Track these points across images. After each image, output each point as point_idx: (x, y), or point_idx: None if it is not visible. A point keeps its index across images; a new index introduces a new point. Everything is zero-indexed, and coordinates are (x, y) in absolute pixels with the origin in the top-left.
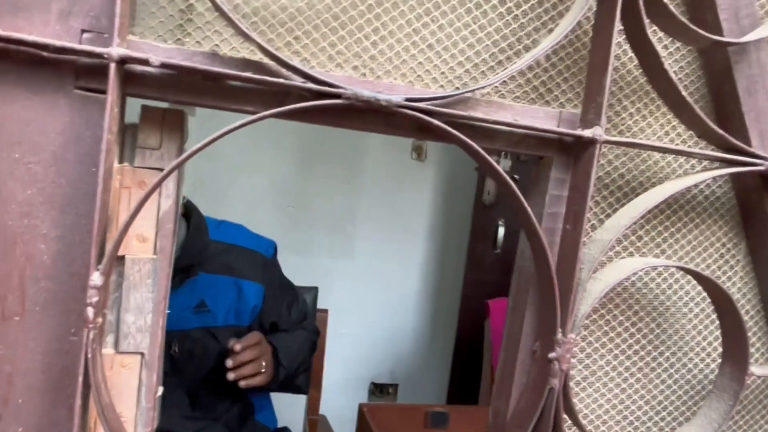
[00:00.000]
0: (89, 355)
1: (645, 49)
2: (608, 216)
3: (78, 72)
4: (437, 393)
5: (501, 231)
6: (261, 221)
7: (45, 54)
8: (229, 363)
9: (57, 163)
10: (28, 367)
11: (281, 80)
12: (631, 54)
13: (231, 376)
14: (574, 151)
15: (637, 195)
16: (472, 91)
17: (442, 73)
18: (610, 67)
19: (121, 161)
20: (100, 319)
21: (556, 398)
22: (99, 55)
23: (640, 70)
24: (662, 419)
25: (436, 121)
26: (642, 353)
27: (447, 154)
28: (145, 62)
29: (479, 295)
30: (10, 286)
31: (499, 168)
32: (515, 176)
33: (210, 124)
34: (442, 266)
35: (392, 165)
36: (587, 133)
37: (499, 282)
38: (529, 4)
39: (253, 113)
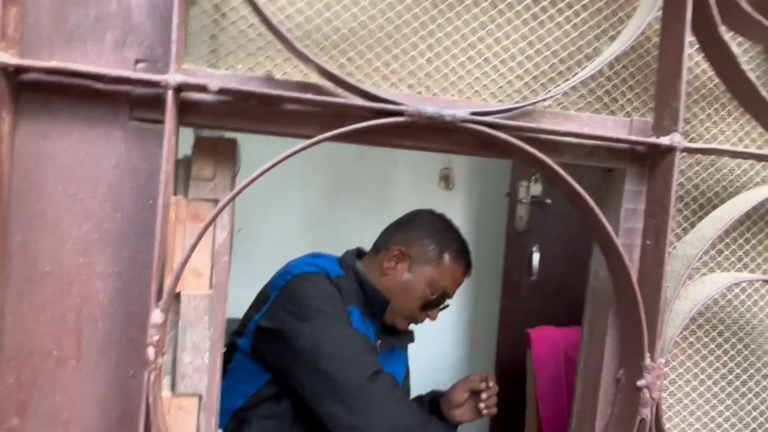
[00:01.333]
0: (151, 399)
1: (718, 50)
2: (685, 230)
3: (133, 103)
4: (479, 427)
5: (536, 257)
6: (292, 256)
7: (100, 86)
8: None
9: (112, 198)
10: (85, 414)
11: (341, 100)
12: (697, 59)
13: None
14: (649, 160)
15: (714, 207)
16: (543, 100)
17: (500, 87)
18: (684, 70)
19: (175, 194)
20: (160, 360)
21: (649, 430)
22: (155, 84)
23: (708, 75)
24: None
25: (503, 135)
26: (730, 377)
27: (475, 182)
28: (202, 88)
29: (517, 324)
30: (65, 329)
31: (573, 182)
32: (547, 200)
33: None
34: (476, 296)
35: (421, 195)
36: (664, 140)
37: (537, 310)
38: (588, 12)
39: (309, 137)
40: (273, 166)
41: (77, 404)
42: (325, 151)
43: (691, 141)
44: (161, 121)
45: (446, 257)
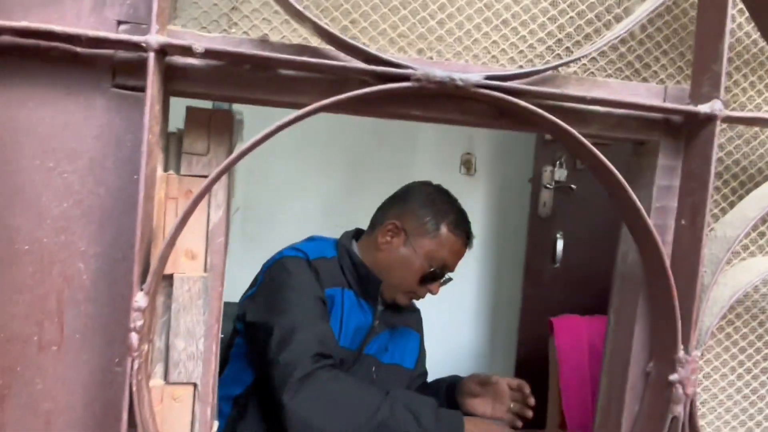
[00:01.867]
0: (134, 388)
1: (764, 8)
2: (723, 210)
3: (115, 68)
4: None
5: (560, 244)
6: None
7: (79, 49)
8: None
9: (94, 172)
10: (68, 403)
11: (341, 63)
12: (739, 20)
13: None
14: (686, 132)
15: (757, 184)
16: (566, 63)
17: (521, 51)
18: (728, 30)
19: (166, 169)
20: (145, 347)
21: (682, 428)
22: (137, 45)
23: (752, 39)
24: None
25: (522, 102)
26: None
27: (497, 167)
28: (187, 51)
29: (540, 312)
30: (46, 311)
31: (600, 155)
32: (572, 186)
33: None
34: (498, 283)
35: (441, 180)
36: (704, 108)
37: (560, 298)
38: None
39: (307, 106)
40: (266, 137)
41: (59, 393)
42: (344, 135)
43: (731, 111)
44: (145, 89)
45: (443, 228)
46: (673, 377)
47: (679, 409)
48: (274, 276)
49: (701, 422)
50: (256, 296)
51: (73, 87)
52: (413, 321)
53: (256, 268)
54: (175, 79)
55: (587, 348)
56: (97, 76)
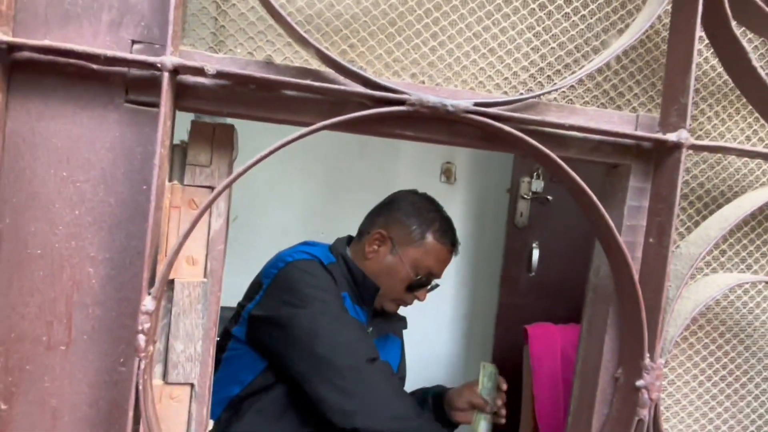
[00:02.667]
0: (140, 387)
1: (729, 46)
2: (688, 229)
3: (128, 84)
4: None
5: (536, 254)
6: None
7: (95, 66)
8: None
9: (106, 181)
10: (74, 401)
11: (342, 87)
12: (706, 54)
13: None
14: (655, 157)
15: (719, 206)
16: (548, 92)
17: (506, 78)
18: (694, 65)
19: (170, 180)
20: (151, 348)
21: (646, 430)
22: (151, 65)
23: (717, 72)
24: None
25: (507, 128)
26: (730, 379)
27: (476, 177)
28: (199, 71)
29: (515, 320)
30: (56, 313)
31: (577, 177)
32: (548, 197)
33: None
34: (474, 291)
35: (421, 188)
36: (671, 137)
37: (535, 306)
38: (596, 4)
39: (308, 125)
40: (270, 153)
41: (66, 391)
42: (325, 143)
43: (697, 138)
44: (157, 105)
45: (429, 236)
46: (640, 383)
47: (645, 413)
48: (289, 276)
49: (665, 425)
50: (267, 297)
51: (87, 101)
52: (399, 328)
53: (237, 274)
54: (184, 97)
55: (560, 356)
56: (111, 92)
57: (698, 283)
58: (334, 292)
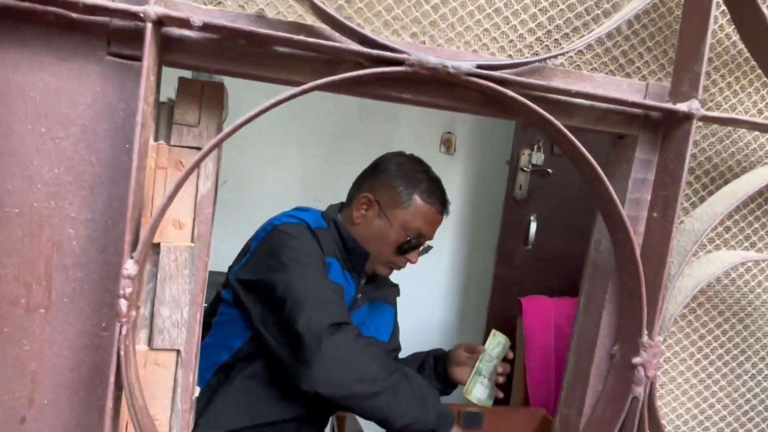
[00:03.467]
0: (122, 353)
1: (747, 13)
2: (693, 204)
3: (110, 36)
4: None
5: (533, 227)
6: None
7: (74, 15)
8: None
9: (87, 139)
10: (54, 365)
11: (337, 44)
12: (721, 22)
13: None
14: (664, 128)
15: (726, 181)
16: (554, 56)
17: (511, 41)
18: (710, 31)
19: (156, 139)
20: (133, 313)
21: (641, 408)
22: (134, 15)
23: (732, 41)
24: (747, 431)
25: (510, 92)
26: (727, 358)
27: (477, 148)
28: (185, 23)
29: (510, 292)
30: (35, 275)
31: (581, 147)
32: (548, 170)
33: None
34: (470, 262)
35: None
36: (682, 107)
37: (529, 279)
38: None
39: (301, 84)
40: (260, 113)
41: (46, 354)
42: (325, 109)
43: (708, 110)
44: (140, 58)
45: (416, 197)
46: (636, 360)
47: (640, 390)
48: (273, 239)
49: (659, 402)
50: (252, 260)
51: (67, 53)
52: (391, 296)
53: (231, 237)
54: (170, 50)
55: (553, 328)
56: (92, 44)
57: (701, 260)
58: (316, 255)
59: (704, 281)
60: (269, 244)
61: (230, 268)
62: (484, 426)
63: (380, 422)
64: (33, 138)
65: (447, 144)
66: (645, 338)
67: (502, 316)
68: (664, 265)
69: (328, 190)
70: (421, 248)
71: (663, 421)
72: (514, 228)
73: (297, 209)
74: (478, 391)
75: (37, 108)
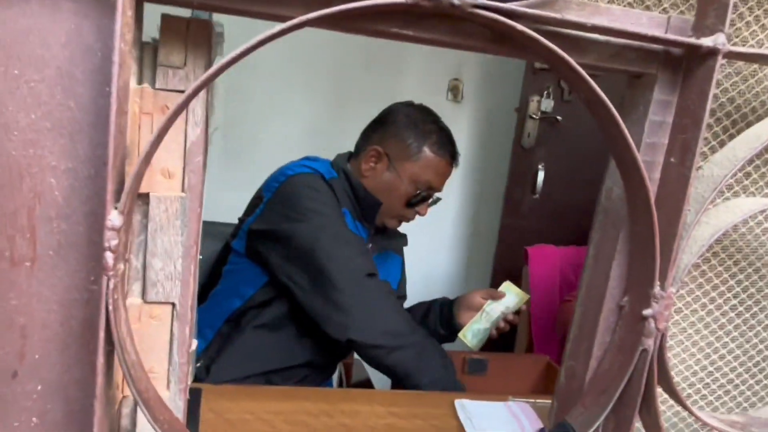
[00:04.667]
0: (110, 307)
1: None
2: (712, 149)
3: None
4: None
5: (540, 175)
6: None
7: None
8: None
9: (63, 82)
10: (44, 319)
11: None
12: None
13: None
14: (685, 65)
15: (749, 124)
16: None
17: None
18: None
19: (140, 82)
20: (121, 266)
21: (650, 361)
22: None
23: None
24: (758, 382)
25: (520, 26)
26: (740, 309)
27: (484, 95)
28: None
29: (516, 241)
30: (17, 227)
31: (594, 85)
32: (557, 117)
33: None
34: (477, 211)
35: (427, 105)
36: (707, 41)
37: (537, 228)
38: None
39: (291, 19)
40: (248, 51)
41: (35, 309)
42: (330, 58)
43: (733, 46)
44: None
45: (426, 150)
46: (647, 312)
47: (650, 342)
48: (289, 189)
49: (669, 354)
50: (267, 211)
51: None
52: (399, 246)
53: (236, 188)
54: None
55: (559, 277)
56: None
57: (718, 208)
58: (335, 207)
59: (722, 230)
60: (284, 194)
61: (241, 219)
62: (488, 372)
63: (401, 378)
64: (6, 82)
65: (454, 91)
66: (657, 289)
67: (509, 265)
68: (680, 213)
69: (335, 139)
70: (431, 200)
71: (672, 373)
72: (522, 177)
73: (307, 159)
74: (471, 332)
75: (7, 49)
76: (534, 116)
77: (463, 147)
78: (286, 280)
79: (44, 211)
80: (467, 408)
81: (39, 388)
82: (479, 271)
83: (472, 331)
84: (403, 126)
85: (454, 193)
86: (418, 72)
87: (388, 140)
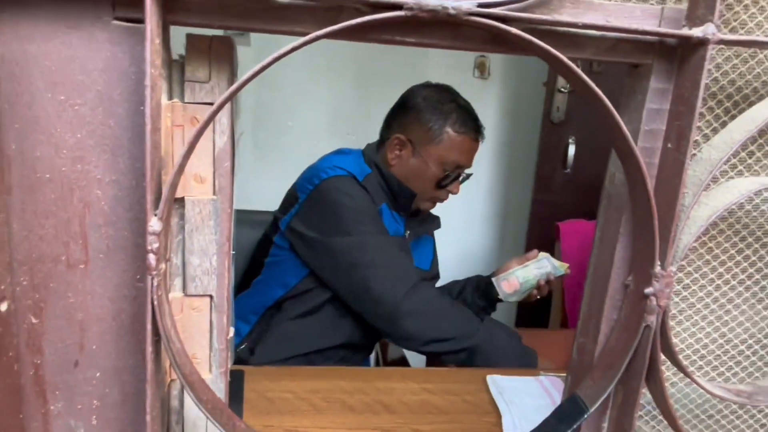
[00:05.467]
0: (155, 303)
1: None
2: (715, 131)
3: (115, 1)
4: (506, 317)
5: (571, 150)
6: (322, 150)
7: None
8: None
9: (103, 104)
10: (98, 314)
11: None
12: None
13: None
14: (679, 54)
15: (751, 104)
16: None
17: None
18: None
19: (170, 98)
20: (163, 266)
21: (653, 337)
22: None
23: None
24: None
25: (514, 30)
26: (748, 282)
27: (511, 71)
28: None
29: (548, 217)
30: (71, 234)
31: (589, 81)
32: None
33: (267, 54)
34: (508, 188)
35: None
36: (696, 32)
37: (568, 203)
38: None
39: (303, 35)
40: (263, 69)
41: (90, 305)
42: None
43: (731, 30)
44: (144, 21)
45: (448, 130)
46: (649, 290)
47: (652, 319)
48: (324, 196)
49: (678, 328)
50: (303, 213)
51: (75, 21)
52: (433, 228)
53: (269, 176)
54: (172, 11)
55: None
56: (98, 10)
57: (719, 188)
58: (372, 211)
59: (720, 210)
60: (321, 201)
61: (276, 215)
62: None
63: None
64: (54, 106)
65: (481, 68)
66: (657, 269)
67: (541, 241)
68: (677, 196)
69: (361, 124)
70: (461, 178)
71: (683, 345)
72: (552, 152)
73: (338, 153)
74: (506, 284)
75: (53, 76)
76: (563, 90)
77: (492, 123)
78: (333, 288)
79: (93, 219)
80: (499, 383)
81: (98, 374)
82: (512, 247)
83: (507, 284)
84: (422, 109)
85: (484, 171)
86: (443, 51)
87: (409, 126)
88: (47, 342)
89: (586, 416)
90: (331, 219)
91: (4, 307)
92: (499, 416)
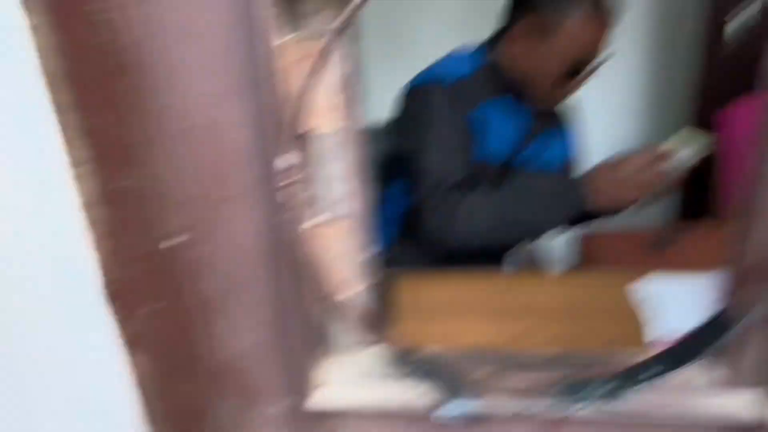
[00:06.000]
0: (298, 230)
1: None
2: None
3: None
4: (664, 213)
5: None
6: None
7: None
8: None
9: (226, 51)
10: (246, 245)
11: None
12: None
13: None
14: None
15: None
16: None
17: None
18: None
19: (286, 35)
20: (302, 195)
21: None
22: None
23: None
24: None
25: None
26: None
27: None
28: None
29: (709, 101)
30: (216, 175)
31: None
32: None
33: None
34: (668, 68)
35: None
36: None
37: (731, 87)
38: None
39: None
40: None
41: (238, 237)
42: None
43: None
44: None
45: (573, 17)
46: None
47: None
48: (408, 105)
49: None
50: (398, 125)
51: None
52: (567, 121)
53: (396, 87)
54: None
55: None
56: None
57: None
58: (451, 118)
59: None
60: (405, 109)
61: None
62: (674, 247)
63: None
64: (183, 57)
65: None
66: None
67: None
68: None
69: (486, 33)
70: (596, 65)
71: None
72: (716, 26)
73: (445, 58)
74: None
75: (182, 32)
76: None
77: None
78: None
79: (234, 160)
80: (649, 286)
81: (251, 299)
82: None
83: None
84: None
85: (637, 50)
86: None
87: (530, 15)
88: (208, 271)
89: (744, 324)
90: (408, 127)
91: (176, 240)
92: (647, 323)
